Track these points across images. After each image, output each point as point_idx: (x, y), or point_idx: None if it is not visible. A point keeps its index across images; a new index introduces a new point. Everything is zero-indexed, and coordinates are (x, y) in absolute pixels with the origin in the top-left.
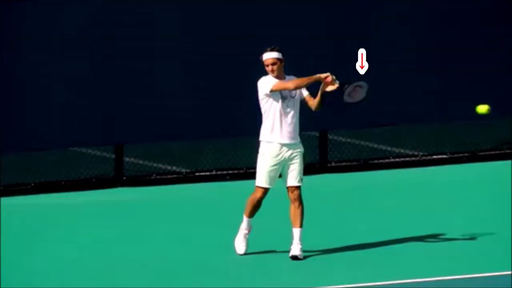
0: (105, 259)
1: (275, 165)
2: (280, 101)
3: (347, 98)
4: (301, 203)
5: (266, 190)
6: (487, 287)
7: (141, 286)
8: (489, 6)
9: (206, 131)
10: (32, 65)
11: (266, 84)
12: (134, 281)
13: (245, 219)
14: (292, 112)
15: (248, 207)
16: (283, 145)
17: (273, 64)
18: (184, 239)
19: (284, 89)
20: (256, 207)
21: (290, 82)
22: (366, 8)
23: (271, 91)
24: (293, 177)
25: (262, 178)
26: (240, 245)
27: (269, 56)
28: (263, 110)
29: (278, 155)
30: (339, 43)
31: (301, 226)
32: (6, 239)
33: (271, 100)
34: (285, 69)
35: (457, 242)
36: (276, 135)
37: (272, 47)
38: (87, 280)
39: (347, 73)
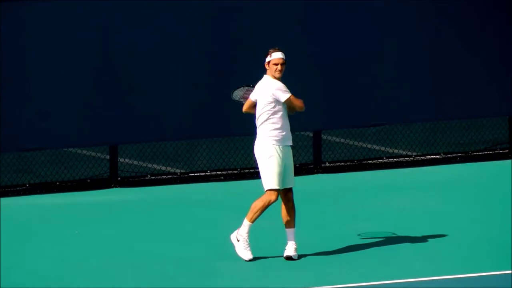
0: (100, 259)
1: (281, 166)
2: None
3: (238, 97)
4: (293, 203)
5: (278, 192)
6: (487, 287)
7: (135, 285)
8: (486, 4)
9: (200, 131)
10: (29, 65)
11: (284, 93)
12: (130, 280)
13: (248, 224)
14: (286, 116)
15: (257, 212)
16: (285, 146)
17: (281, 64)
18: (179, 240)
19: (293, 105)
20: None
21: (300, 102)
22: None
23: (285, 102)
24: (290, 179)
25: (274, 181)
26: (246, 252)
27: (278, 56)
28: (269, 112)
29: (283, 156)
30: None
31: (294, 226)
32: (3, 239)
33: (278, 103)
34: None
35: (456, 242)
36: (282, 136)
37: (277, 48)
38: (85, 280)
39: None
